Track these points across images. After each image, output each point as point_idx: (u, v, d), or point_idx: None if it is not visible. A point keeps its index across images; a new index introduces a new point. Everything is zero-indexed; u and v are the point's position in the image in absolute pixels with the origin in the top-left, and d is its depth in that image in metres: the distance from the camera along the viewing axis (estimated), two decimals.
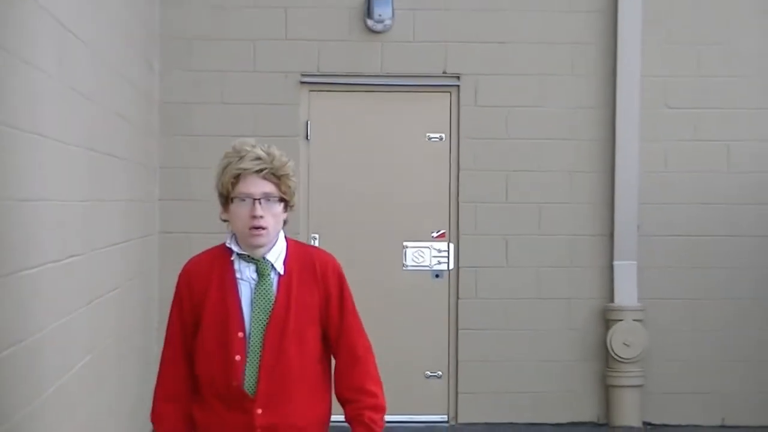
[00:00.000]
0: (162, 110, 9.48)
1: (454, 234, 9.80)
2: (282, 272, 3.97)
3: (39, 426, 4.75)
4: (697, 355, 9.80)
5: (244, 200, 3.91)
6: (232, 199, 3.94)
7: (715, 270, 9.82)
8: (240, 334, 3.89)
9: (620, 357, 9.60)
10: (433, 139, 9.83)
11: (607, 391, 9.73)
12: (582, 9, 9.76)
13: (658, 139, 9.81)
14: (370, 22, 9.58)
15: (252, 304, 3.93)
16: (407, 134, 9.81)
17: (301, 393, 3.92)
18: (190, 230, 9.23)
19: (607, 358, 9.70)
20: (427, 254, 9.82)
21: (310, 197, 9.63)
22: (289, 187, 3.97)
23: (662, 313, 9.76)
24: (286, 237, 4.05)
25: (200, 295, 3.96)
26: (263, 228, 3.90)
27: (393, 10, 9.57)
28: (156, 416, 4.03)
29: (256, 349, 3.89)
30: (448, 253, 9.81)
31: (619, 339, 9.60)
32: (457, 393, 9.77)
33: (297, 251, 4.04)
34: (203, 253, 4.10)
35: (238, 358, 3.88)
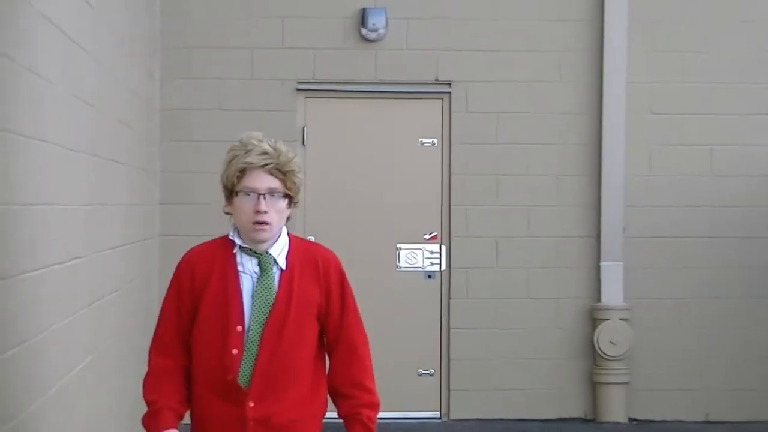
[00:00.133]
0: (162, 117, 9.48)
1: (446, 236, 9.81)
2: (284, 267, 3.87)
3: (41, 425, 4.73)
4: (682, 353, 9.81)
5: (248, 194, 3.81)
6: (236, 193, 3.84)
7: (699, 270, 9.83)
8: (239, 328, 3.80)
9: (607, 355, 9.61)
10: (425, 144, 9.83)
11: (594, 387, 9.74)
12: (569, 18, 9.78)
13: (644, 144, 9.82)
14: (364, 31, 9.59)
15: (253, 298, 3.83)
16: (400, 139, 9.81)
17: (295, 387, 3.83)
18: (190, 233, 9.19)
19: (594, 356, 9.71)
20: (420, 255, 9.83)
21: (306, 200, 9.61)
22: (295, 183, 3.88)
23: (647, 312, 9.77)
24: (288, 233, 3.95)
25: (201, 285, 3.86)
26: (267, 223, 3.81)
27: (386, 19, 9.58)
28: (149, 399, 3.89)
29: (253, 343, 3.80)
30: (440, 255, 9.82)
31: (605, 337, 9.61)
32: (449, 390, 9.77)
33: (299, 247, 3.95)
34: (205, 243, 4.00)
35: (235, 351, 3.78)
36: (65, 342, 5.31)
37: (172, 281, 3.96)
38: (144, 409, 3.92)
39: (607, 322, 9.62)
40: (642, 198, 9.81)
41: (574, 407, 9.80)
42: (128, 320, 7.52)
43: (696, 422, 9.76)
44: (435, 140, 9.83)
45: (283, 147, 3.90)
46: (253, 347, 3.80)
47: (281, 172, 3.84)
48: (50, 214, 5.02)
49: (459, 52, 9.73)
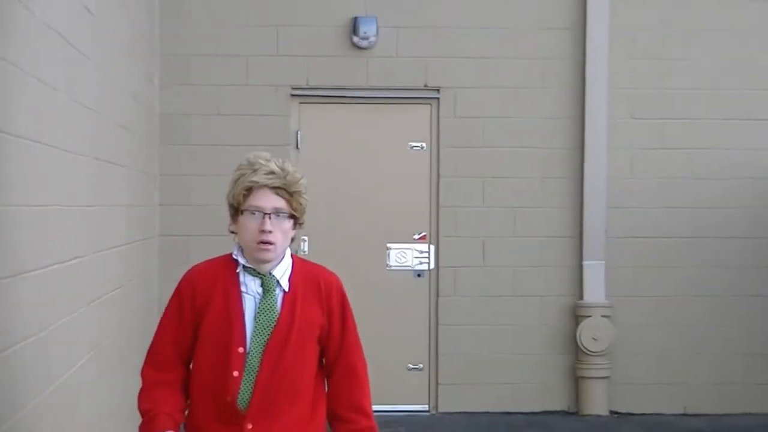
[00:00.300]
0: (162, 121, 9.47)
1: (434, 236, 9.81)
2: (287, 289, 3.75)
3: (42, 423, 4.71)
4: (661, 348, 9.83)
5: (254, 213, 3.68)
6: (242, 212, 3.71)
7: (679, 270, 9.85)
8: (240, 349, 3.67)
9: (589, 350, 9.62)
10: (414, 148, 9.84)
11: (576, 382, 9.75)
12: (554, 27, 9.79)
13: (625, 148, 9.83)
14: (356, 39, 9.59)
15: (255, 319, 3.70)
16: (391, 143, 9.82)
17: (295, 409, 3.71)
18: (188, 233, 9.22)
19: (577, 352, 9.72)
20: (410, 255, 9.83)
21: None
22: (301, 204, 3.75)
23: (628, 309, 9.79)
24: (292, 254, 3.83)
25: (203, 303, 3.73)
26: (271, 243, 3.68)
27: (377, 28, 9.58)
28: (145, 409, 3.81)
29: (254, 364, 3.68)
30: (429, 254, 9.82)
31: (588, 334, 9.62)
32: (437, 384, 9.78)
33: (302, 269, 3.82)
34: (208, 261, 3.85)
35: (236, 374, 3.66)
36: (66, 340, 5.29)
37: (172, 298, 3.83)
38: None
39: (589, 319, 9.63)
40: (624, 200, 9.82)
41: (557, 401, 9.81)
42: (128, 318, 7.50)
43: (674, 414, 9.78)
44: (424, 144, 9.83)
45: (290, 167, 3.75)
46: (253, 369, 3.68)
47: (288, 192, 3.71)
48: (52, 215, 5.01)
49: (447, 59, 9.74)
